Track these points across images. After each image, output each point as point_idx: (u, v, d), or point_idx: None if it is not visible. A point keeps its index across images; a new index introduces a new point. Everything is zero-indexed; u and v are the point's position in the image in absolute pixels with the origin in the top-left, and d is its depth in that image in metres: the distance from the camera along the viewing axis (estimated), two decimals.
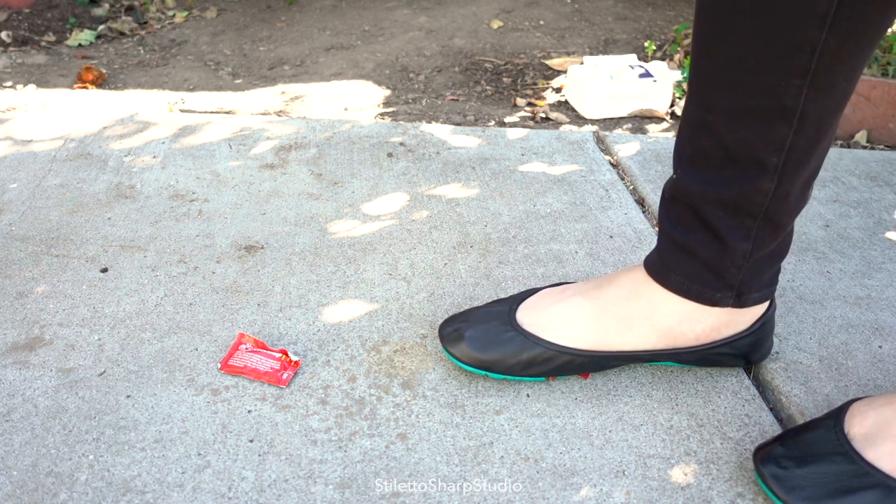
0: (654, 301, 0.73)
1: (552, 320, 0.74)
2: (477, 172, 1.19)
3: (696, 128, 0.66)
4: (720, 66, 0.62)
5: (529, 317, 0.75)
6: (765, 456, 0.63)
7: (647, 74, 1.57)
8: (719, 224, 0.67)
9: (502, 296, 0.89)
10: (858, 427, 0.62)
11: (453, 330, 0.76)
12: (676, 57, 1.87)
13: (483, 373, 0.75)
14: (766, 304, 0.75)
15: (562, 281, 0.92)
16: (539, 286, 0.91)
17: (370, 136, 1.30)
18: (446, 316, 0.85)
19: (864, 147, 1.46)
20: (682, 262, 0.71)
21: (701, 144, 0.66)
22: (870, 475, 0.59)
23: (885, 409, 0.63)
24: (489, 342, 0.74)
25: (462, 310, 0.86)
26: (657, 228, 0.74)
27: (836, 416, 0.64)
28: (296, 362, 0.77)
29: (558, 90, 1.72)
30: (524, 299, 0.78)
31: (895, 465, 0.59)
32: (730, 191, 0.66)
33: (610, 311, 0.73)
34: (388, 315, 0.86)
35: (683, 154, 0.69)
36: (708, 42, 0.62)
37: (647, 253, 0.97)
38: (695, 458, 0.68)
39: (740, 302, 0.71)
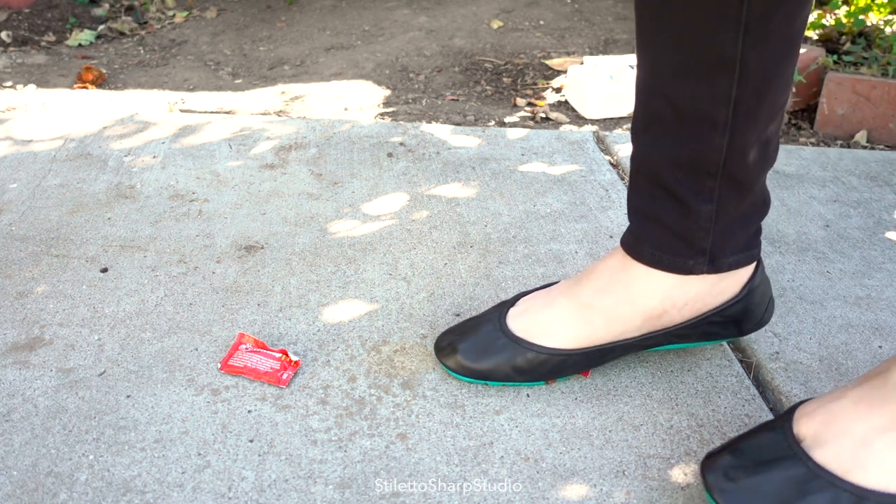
0: (632, 286, 0.72)
1: (540, 324, 0.75)
2: (477, 172, 1.19)
3: (646, 93, 0.67)
4: (658, 26, 0.63)
5: (519, 322, 0.76)
6: (712, 466, 0.61)
7: None
8: (679, 187, 0.67)
9: (502, 296, 0.89)
10: (806, 427, 0.60)
11: (448, 343, 0.77)
12: None
13: (482, 382, 0.75)
14: (752, 269, 0.74)
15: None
16: (536, 286, 0.91)
17: (370, 136, 1.30)
18: (446, 316, 0.85)
19: (864, 147, 1.46)
20: (651, 233, 0.71)
21: (652, 108, 0.67)
22: (819, 478, 0.57)
23: (833, 405, 0.61)
24: (482, 352, 0.75)
25: (461, 311, 0.86)
26: (626, 205, 0.74)
27: (785, 418, 0.62)
28: (296, 362, 0.77)
29: (558, 90, 1.72)
30: (514, 304, 0.78)
31: (844, 466, 0.57)
32: (684, 150, 0.66)
33: (592, 306, 0.73)
34: (388, 315, 0.86)
35: (638, 122, 0.69)
36: (645, 3, 0.64)
37: None
38: (695, 458, 0.68)
39: (715, 266, 0.71)
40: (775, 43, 0.61)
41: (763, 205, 0.71)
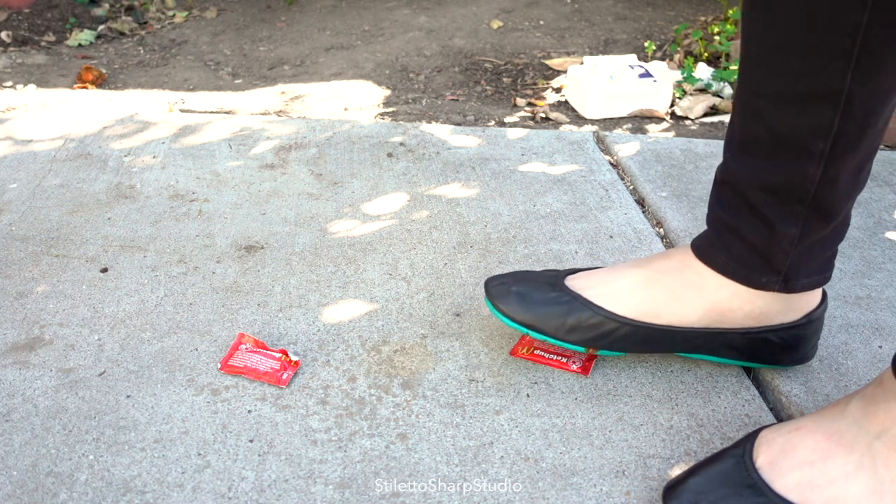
0: (704, 274, 0.72)
1: (602, 286, 0.74)
2: (477, 172, 1.19)
3: (745, 114, 0.67)
4: (766, 51, 0.63)
5: (579, 282, 0.75)
6: (674, 495, 0.61)
7: (647, 74, 1.57)
8: (767, 209, 0.67)
9: None
10: (765, 455, 0.60)
11: (500, 283, 0.75)
12: (676, 57, 1.87)
13: (525, 330, 0.73)
14: (818, 299, 0.74)
15: None
16: None
17: (370, 136, 1.30)
18: (446, 316, 0.85)
19: None
20: (729, 245, 0.71)
21: (750, 130, 0.67)
22: None
23: (793, 435, 0.61)
24: (536, 300, 0.73)
25: (461, 311, 0.86)
26: (706, 211, 0.74)
27: (745, 445, 0.62)
28: (296, 362, 0.77)
29: (558, 90, 1.72)
30: (575, 271, 0.78)
31: (805, 496, 0.57)
32: (777, 177, 0.66)
33: (660, 281, 0.73)
34: (388, 315, 0.86)
35: (734, 139, 0.69)
36: (754, 28, 0.63)
37: (648, 253, 0.97)
38: (695, 458, 0.68)
39: (788, 287, 0.70)
40: (883, 78, 0.60)
41: (844, 228, 0.71)
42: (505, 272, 0.81)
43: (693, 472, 0.62)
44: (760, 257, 0.70)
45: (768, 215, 0.68)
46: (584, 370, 0.77)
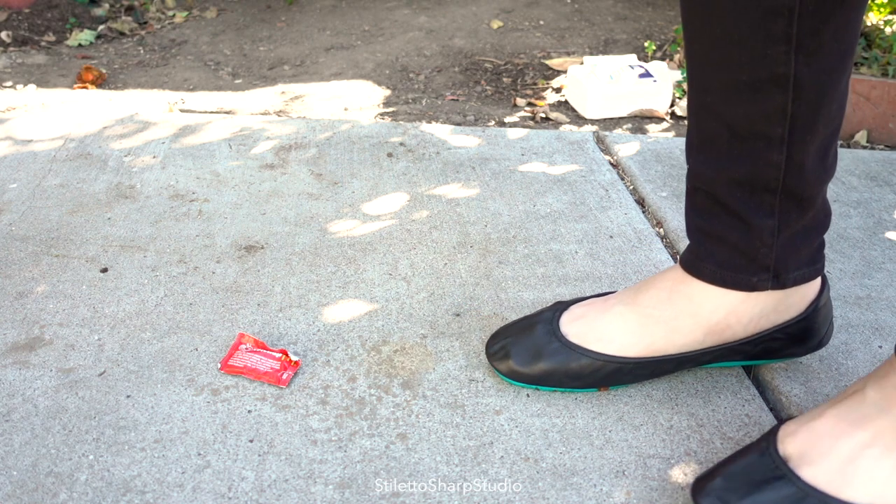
0: (695, 298, 0.72)
1: (596, 330, 0.74)
2: (477, 172, 1.19)
3: (698, 112, 0.67)
4: (708, 45, 0.63)
5: (574, 328, 0.75)
6: (704, 491, 0.61)
7: (647, 74, 1.57)
8: (739, 205, 0.67)
9: (502, 296, 0.89)
10: (791, 446, 0.61)
11: (500, 347, 0.75)
12: (676, 57, 1.87)
13: (533, 387, 0.75)
14: (818, 287, 0.73)
15: (559, 280, 0.92)
16: (538, 286, 0.91)
17: (370, 136, 1.30)
18: (446, 316, 0.85)
19: (864, 147, 1.46)
20: (712, 251, 0.70)
21: (706, 128, 0.67)
22: (810, 496, 0.57)
23: (815, 423, 0.61)
24: (535, 356, 0.74)
25: (461, 311, 0.86)
26: (685, 223, 0.74)
27: (769, 439, 0.63)
28: (296, 362, 0.77)
29: (558, 90, 1.72)
30: (566, 309, 0.77)
31: (833, 484, 0.58)
32: (742, 168, 0.65)
33: (653, 316, 0.72)
34: (388, 315, 0.86)
35: (692, 142, 0.69)
36: (693, 23, 0.63)
37: (648, 253, 0.97)
38: (695, 458, 0.68)
39: (780, 282, 0.70)
40: (827, 56, 0.60)
41: (825, 217, 0.71)
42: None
43: (719, 469, 0.62)
44: (745, 257, 0.69)
45: (741, 211, 0.67)
46: None
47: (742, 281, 0.70)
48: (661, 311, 0.72)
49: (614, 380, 0.74)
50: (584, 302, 0.78)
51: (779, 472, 0.59)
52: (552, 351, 0.73)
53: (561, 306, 0.78)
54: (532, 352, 0.74)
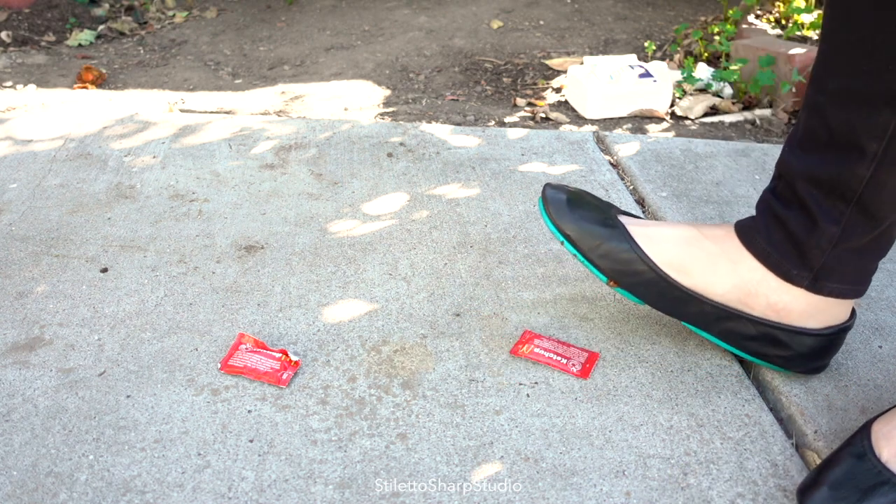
0: (744, 251, 0.74)
1: (649, 228, 0.77)
2: (477, 172, 1.19)
3: (809, 109, 0.68)
4: (836, 49, 0.65)
5: (631, 220, 0.78)
6: (812, 500, 0.61)
7: (647, 74, 1.57)
8: (812, 203, 0.69)
9: (502, 296, 0.89)
10: (889, 449, 0.62)
11: (556, 190, 0.78)
12: (676, 57, 1.87)
13: (562, 239, 0.77)
14: (845, 314, 0.74)
15: (552, 282, 0.92)
16: (538, 286, 0.91)
17: (370, 136, 1.30)
18: (446, 316, 0.85)
19: None
20: (770, 230, 0.72)
21: (811, 125, 0.68)
22: None
23: None
24: (583, 217, 0.77)
25: (461, 311, 0.86)
26: (759, 198, 0.76)
27: (863, 443, 0.63)
28: (296, 362, 0.77)
29: (558, 90, 1.72)
30: (631, 216, 0.81)
31: None
32: (827, 172, 0.67)
33: (702, 243, 0.75)
34: (388, 315, 0.86)
35: (795, 133, 0.71)
36: (831, 26, 0.65)
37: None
38: (695, 458, 0.68)
39: (816, 286, 0.71)
40: None
41: (887, 244, 0.72)
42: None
43: (821, 477, 0.62)
44: (797, 249, 0.71)
45: (813, 209, 0.69)
46: (584, 373, 0.77)
47: (783, 268, 0.72)
48: (710, 244, 0.75)
49: (630, 282, 0.76)
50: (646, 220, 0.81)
51: (882, 477, 0.60)
52: (600, 220, 0.77)
53: (622, 212, 0.81)
54: (582, 212, 0.77)
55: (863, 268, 0.72)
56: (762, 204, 0.75)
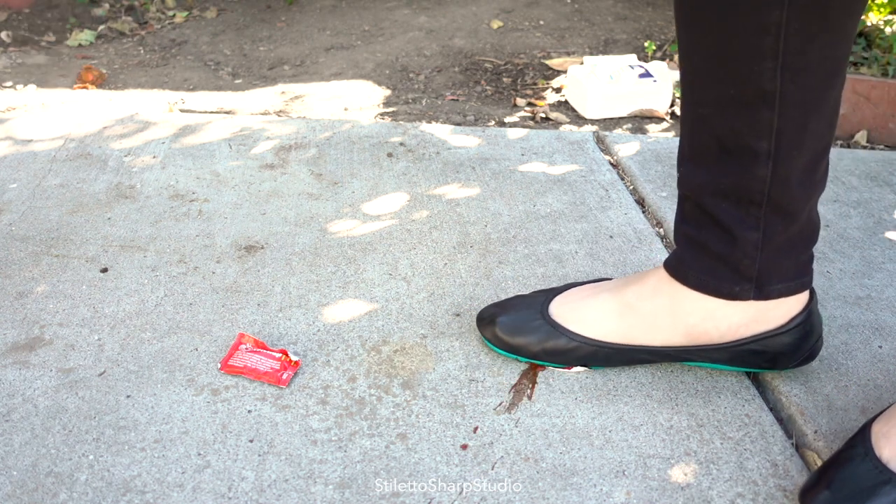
0: (676, 298, 0.73)
1: (579, 313, 0.77)
2: (477, 172, 1.19)
3: (691, 123, 0.68)
4: (699, 61, 0.65)
5: (559, 308, 0.78)
6: (814, 501, 0.61)
7: (647, 74, 1.57)
8: (724, 216, 0.68)
9: (502, 296, 0.89)
10: (889, 449, 0.62)
11: (489, 315, 0.80)
12: (676, 57, 1.87)
13: (511, 356, 0.78)
14: (803, 302, 0.74)
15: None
16: (538, 286, 0.91)
17: (370, 136, 1.30)
18: (446, 316, 0.86)
19: (864, 147, 1.46)
20: (697, 259, 0.72)
21: (697, 139, 0.68)
22: None
23: None
24: (518, 328, 0.77)
25: (461, 311, 0.86)
26: (674, 227, 0.76)
27: (863, 444, 0.63)
28: (296, 362, 0.77)
29: (558, 90, 1.72)
30: (561, 292, 0.81)
31: None
32: (728, 180, 0.67)
33: (634, 308, 0.75)
34: (388, 315, 0.86)
35: (683, 151, 0.71)
36: (686, 38, 0.65)
37: (648, 253, 0.97)
38: (695, 458, 0.68)
39: (763, 294, 0.71)
40: (814, 74, 0.61)
41: (812, 232, 0.71)
42: (495, 301, 0.86)
43: (822, 478, 0.62)
44: (728, 267, 0.70)
45: (726, 222, 0.68)
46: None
47: (724, 290, 0.71)
48: (641, 305, 0.75)
49: (589, 362, 0.77)
50: (578, 287, 0.81)
51: (884, 477, 0.60)
52: (534, 327, 0.77)
53: (557, 290, 0.81)
54: (517, 324, 0.78)
55: (798, 260, 0.71)
56: (678, 235, 0.74)
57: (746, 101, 0.63)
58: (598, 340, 0.75)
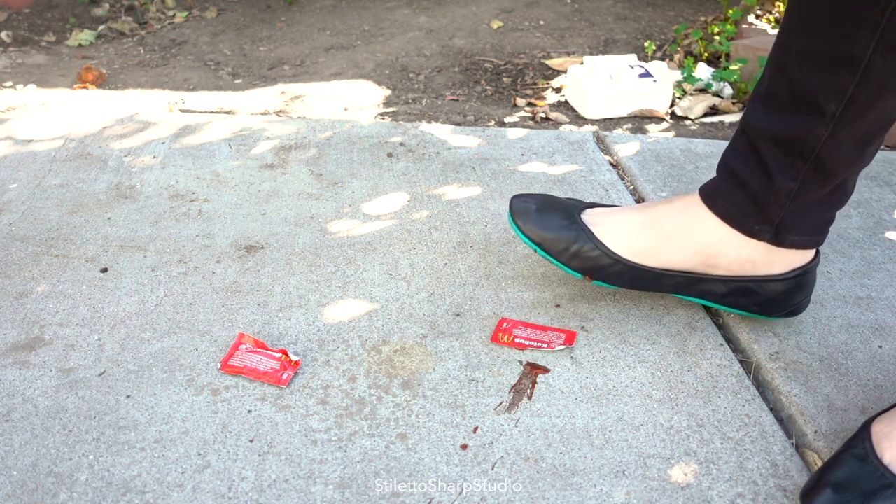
0: (699, 217, 0.77)
1: (608, 223, 0.82)
2: (477, 172, 1.19)
3: (774, 68, 0.71)
4: (803, 10, 0.67)
5: (592, 217, 0.82)
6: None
7: (647, 74, 1.57)
8: (771, 162, 0.72)
9: (502, 296, 0.89)
10: (890, 451, 0.62)
11: (523, 202, 0.84)
12: (676, 57, 1.87)
13: (534, 247, 0.83)
14: (808, 256, 0.78)
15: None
16: (538, 286, 0.91)
17: (370, 136, 1.30)
18: (446, 316, 0.85)
19: None
20: (731, 190, 0.76)
21: (774, 84, 0.71)
22: None
23: None
24: (550, 224, 0.81)
25: (461, 311, 0.86)
26: (720, 157, 0.80)
27: (864, 445, 0.63)
28: (296, 362, 0.77)
29: (558, 90, 1.72)
30: (596, 205, 0.85)
31: None
32: (786, 130, 0.70)
33: (657, 224, 0.79)
34: (388, 315, 0.86)
35: (758, 91, 0.74)
36: None
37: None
38: (695, 458, 0.68)
39: (778, 240, 0.75)
40: None
41: (843, 196, 0.75)
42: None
43: (823, 480, 0.62)
44: (757, 207, 0.74)
45: (771, 167, 0.72)
46: (569, 341, 0.80)
47: (745, 225, 0.75)
48: (664, 221, 0.79)
49: (602, 275, 0.81)
50: (608, 208, 0.85)
51: (886, 480, 0.61)
52: (566, 226, 0.82)
53: (588, 204, 0.86)
54: (549, 219, 0.82)
55: (820, 219, 0.76)
56: (723, 164, 0.78)
57: (832, 61, 0.65)
58: (617, 254, 0.80)
